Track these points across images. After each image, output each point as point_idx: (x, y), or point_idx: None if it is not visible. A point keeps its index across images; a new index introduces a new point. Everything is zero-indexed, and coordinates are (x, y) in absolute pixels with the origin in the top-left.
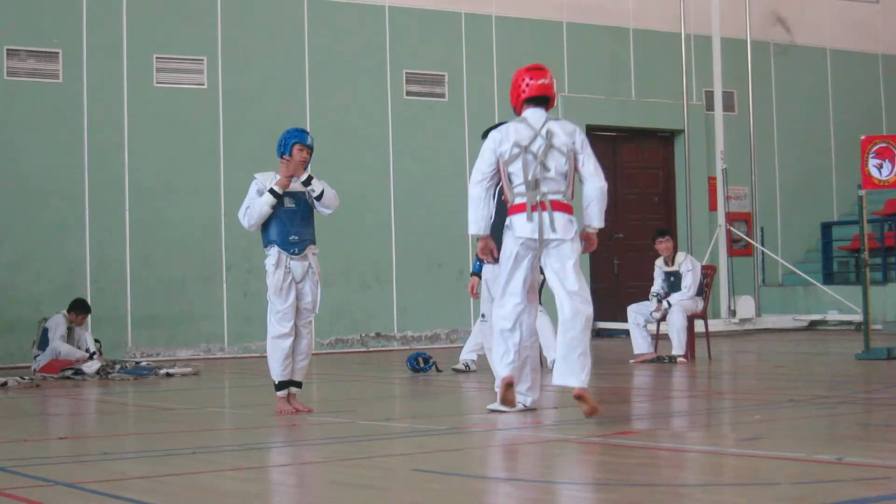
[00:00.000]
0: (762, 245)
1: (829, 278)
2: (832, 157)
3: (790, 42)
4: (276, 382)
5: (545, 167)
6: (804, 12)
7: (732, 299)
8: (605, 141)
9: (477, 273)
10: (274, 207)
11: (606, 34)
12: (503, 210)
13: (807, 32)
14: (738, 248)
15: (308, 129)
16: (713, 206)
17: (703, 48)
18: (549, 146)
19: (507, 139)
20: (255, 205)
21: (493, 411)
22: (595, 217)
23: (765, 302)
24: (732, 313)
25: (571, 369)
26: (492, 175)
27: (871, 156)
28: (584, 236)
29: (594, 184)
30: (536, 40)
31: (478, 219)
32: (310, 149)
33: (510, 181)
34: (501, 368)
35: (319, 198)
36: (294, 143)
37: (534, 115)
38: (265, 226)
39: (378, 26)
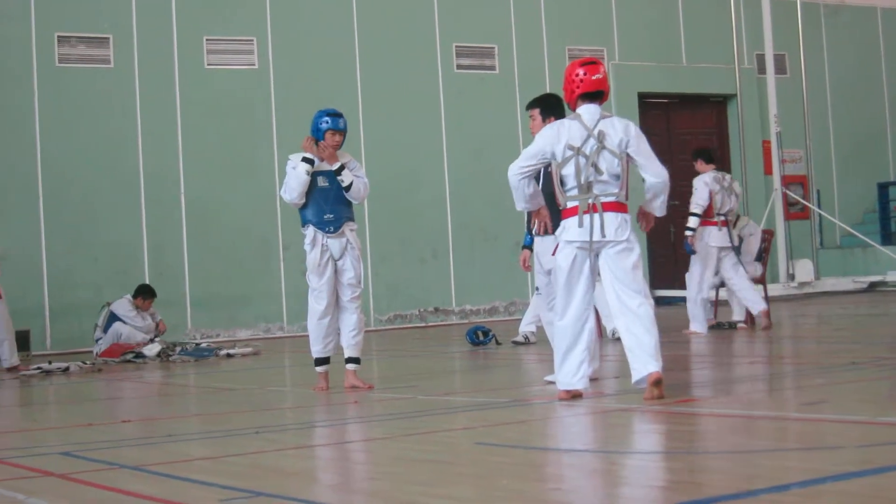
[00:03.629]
0: (819, 207)
1: (887, 239)
2: (886, 116)
3: (841, 2)
4: (315, 358)
5: (597, 169)
6: None
7: (791, 263)
8: (657, 108)
9: (528, 246)
10: (311, 177)
11: (655, 0)
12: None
13: None
14: (794, 211)
15: (359, 106)
16: (768, 170)
17: (754, 11)
18: (601, 148)
19: (560, 140)
20: (292, 175)
21: (549, 383)
22: (658, 208)
23: (823, 265)
24: (791, 277)
25: (649, 356)
26: (534, 172)
27: None
28: (642, 213)
29: (656, 177)
30: (585, 9)
31: (524, 200)
32: (343, 132)
33: (562, 184)
34: (574, 382)
35: (348, 188)
36: (327, 129)
37: (587, 111)
38: (302, 206)
39: (427, 0)
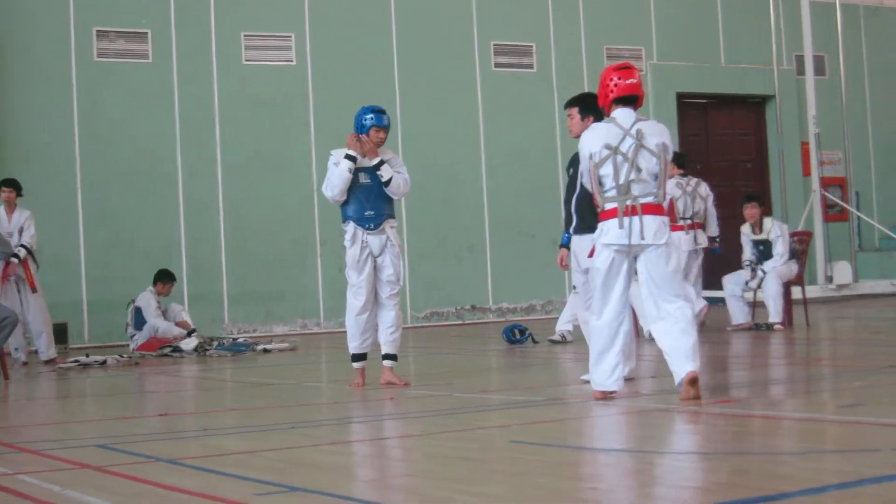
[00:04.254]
0: (857, 209)
1: None
2: None
3: (880, 3)
4: (351, 354)
5: (637, 168)
6: None
7: (829, 265)
8: (695, 108)
9: (565, 245)
10: (353, 174)
11: (694, 0)
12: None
13: None
14: (833, 213)
15: (397, 104)
16: (807, 172)
17: (793, 12)
18: (640, 146)
19: (597, 140)
20: (334, 171)
21: (585, 382)
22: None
23: (862, 267)
24: (829, 279)
25: (686, 356)
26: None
27: None
28: None
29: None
30: (624, 8)
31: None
32: (386, 129)
33: (601, 185)
34: (609, 383)
35: (387, 184)
36: (372, 125)
37: (622, 114)
38: (343, 203)
39: None
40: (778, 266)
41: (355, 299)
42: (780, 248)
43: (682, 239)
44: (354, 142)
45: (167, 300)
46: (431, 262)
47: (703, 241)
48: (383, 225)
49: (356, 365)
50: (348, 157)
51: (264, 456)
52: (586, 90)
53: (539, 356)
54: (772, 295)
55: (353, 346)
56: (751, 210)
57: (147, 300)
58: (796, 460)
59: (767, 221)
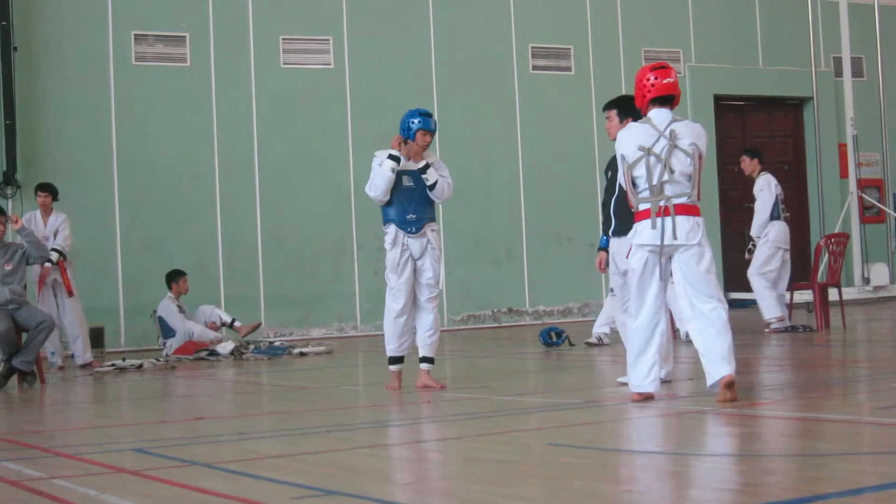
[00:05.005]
0: (895, 211)
1: None
2: None
3: None
4: (389, 357)
5: (670, 169)
6: None
7: (866, 267)
8: (733, 110)
9: (604, 248)
10: (396, 176)
11: (732, 2)
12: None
13: None
14: (870, 215)
15: (434, 107)
16: (844, 174)
17: (831, 13)
18: (673, 147)
19: (631, 141)
20: (377, 172)
21: (622, 384)
22: None
23: None
24: (866, 281)
25: (722, 358)
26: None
27: None
28: None
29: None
30: (662, 10)
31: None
32: (432, 133)
33: (634, 185)
34: (646, 385)
35: (432, 188)
36: (419, 129)
37: (658, 115)
38: (385, 205)
39: (503, 1)
40: (756, 262)
41: (394, 302)
42: (760, 205)
43: None
44: (399, 143)
45: (186, 297)
46: (468, 265)
47: None
48: (424, 228)
49: (393, 368)
50: (392, 157)
51: (300, 459)
52: (624, 93)
53: (576, 359)
54: (756, 294)
55: (391, 349)
56: (742, 164)
57: (167, 308)
58: (833, 462)
59: (761, 179)
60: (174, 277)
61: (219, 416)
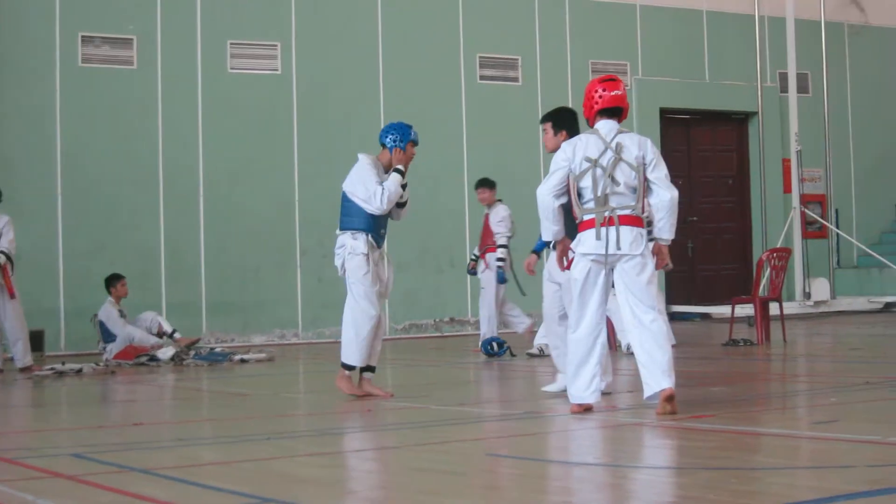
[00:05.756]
0: (837, 227)
1: None
2: None
3: (864, 23)
4: (352, 366)
5: (614, 181)
6: None
7: (807, 282)
8: (678, 124)
9: (537, 251)
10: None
11: (680, 17)
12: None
13: (881, 13)
14: (812, 230)
15: (381, 115)
16: (787, 189)
17: (777, 30)
18: (619, 159)
19: (578, 153)
20: (390, 186)
21: (548, 393)
22: (665, 230)
23: (840, 284)
24: (807, 296)
25: (662, 371)
26: (562, 188)
27: None
28: (655, 249)
29: (664, 195)
30: (610, 23)
31: (554, 223)
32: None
33: (580, 196)
34: (586, 396)
35: (403, 205)
36: (410, 140)
37: (605, 126)
38: (356, 214)
39: (451, 10)
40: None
41: (371, 308)
42: (502, 230)
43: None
44: (404, 156)
45: (128, 302)
46: (411, 274)
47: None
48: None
49: (350, 373)
50: (398, 170)
51: (239, 467)
52: (571, 104)
53: (517, 370)
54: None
55: (362, 358)
56: (479, 195)
57: (108, 312)
58: (770, 476)
59: (500, 208)
60: (112, 281)
61: (158, 421)
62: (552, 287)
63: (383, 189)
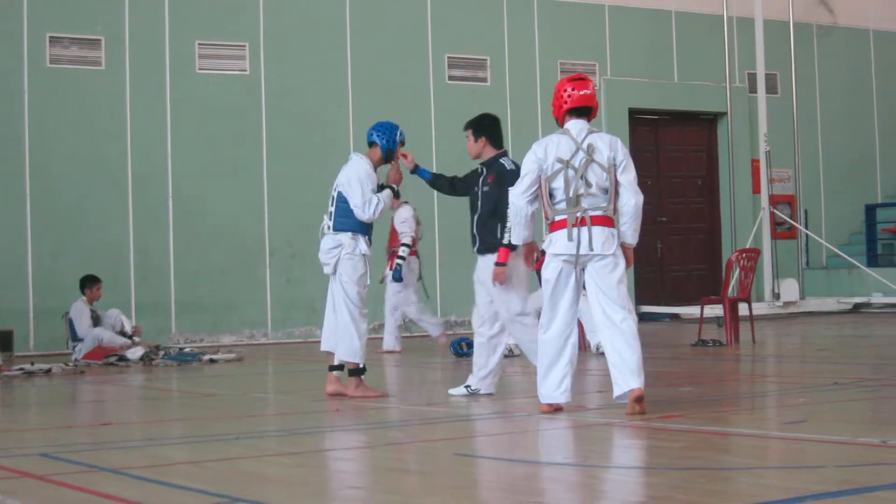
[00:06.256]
0: (806, 228)
1: (873, 260)
2: (876, 138)
3: (833, 23)
4: (360, 367)
5: (586, 182)
6: None
7: (776, 282)
8: (647, 124)
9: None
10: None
11: (649, 17)
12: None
13: (850, 13)
14: (781, 230)
15: (349, 115)
16: (756, 189)
17: (746, 30)
18: (590, 160)
19: (549, 154)
20: (385, 200)
21: (454, 396)
22: (629, 234)
23: (809, 285)
24: (776, 296)
25: (632, 371)
26: (535, 191)
27: None
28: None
29: (629, 199)
30: (578, 24)
31: (525, 228)
32: None
33: (551, 197)
34: (557, 396)
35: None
36: (401, 141)
37: (575, 126)
38: (354, 215)
39: (420, 10)
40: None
41: (365, 307)
42: (406, 229)
43: (414, 263)
44: (399, 176)
45: (102, 304)
46: (379, 274)
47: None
48: None
49: (359, 378)
50: (392, 189)
51: (209, 467)
52: (540, 104)
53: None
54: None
55: (363, 357)
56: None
57: (79, 311)
58: (740, 476)
59: (404, 210)
60: (88, 283)
61: (127, 421)
62: (483, 296)
63: (378, 200)
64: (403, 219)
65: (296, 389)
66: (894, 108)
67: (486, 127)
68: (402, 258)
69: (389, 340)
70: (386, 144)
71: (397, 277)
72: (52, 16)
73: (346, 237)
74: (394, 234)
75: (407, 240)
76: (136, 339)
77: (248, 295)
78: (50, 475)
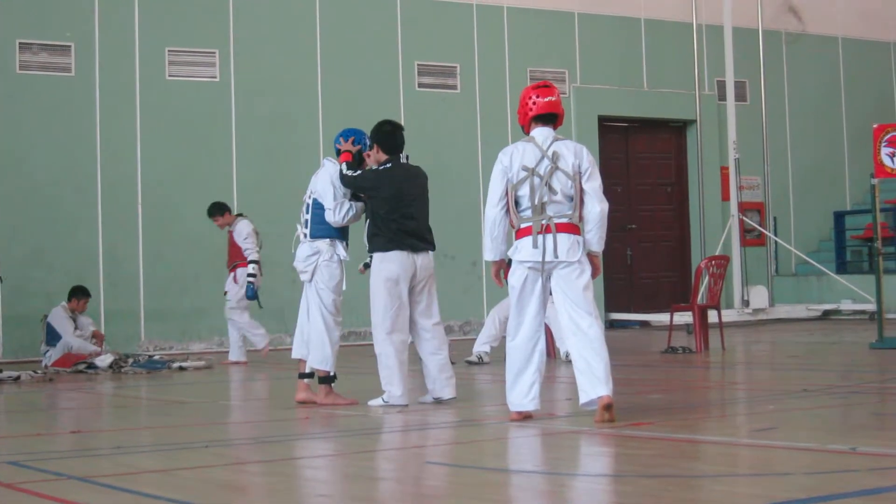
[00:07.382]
0: (775, 235)
1: (842, 267)
2: (845, 145)
3: (802, 31)
4: (330, 375)
5: (551, 190)
6: (816, 1)
7: (746, 289)
8: (616, 131)
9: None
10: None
11: (618, 24)
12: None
13: (818, 21)
14: (750, 238)
15: (319, 122)
16: (726, 196)
17: (715, 38)
18: (555, 168)
19: (514, 161)
20: (358, 208)
21: (375, 406)
22: (594, 241)
23: (778, 292)
24: (746, 303)
25: (599, 379)
26: (505, 199)
27: (884, 144)
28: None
29: (594, 207)
30: (548, 31)
31: (501, 242)
32: None
33: (517, 205)
34: (525, 403)
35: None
36: (368, 148)
37: (540, 134)
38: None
39: (390, 18)
40: (237, 297)
41: (338, 315)
42: (249, 245)
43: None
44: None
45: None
46: (350, 282)
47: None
48: None
49: (330, 385)
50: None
51: (177, 475)
52: (509, 112)
53: (456, 377)
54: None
55: (333, 365)
56: (216, 223)
57: (60, 317)
58: (710, 483)
59: (241, 224)
60: (77, 294)
61: (96, 429)
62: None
63: (350, 206)
64: (245, 235)
65: (265, 397)
66: (863, 116)
67: (379, 133)
68: (254, 275)
69: (235, 352)
70: (358, 142)
71: (251, 296)
72: (22, 22)
73: (323, 244)
74: (234, 248)
75: (254, 256)
76: (106, 346)
77: (217, 302)
78: (18, 483)
